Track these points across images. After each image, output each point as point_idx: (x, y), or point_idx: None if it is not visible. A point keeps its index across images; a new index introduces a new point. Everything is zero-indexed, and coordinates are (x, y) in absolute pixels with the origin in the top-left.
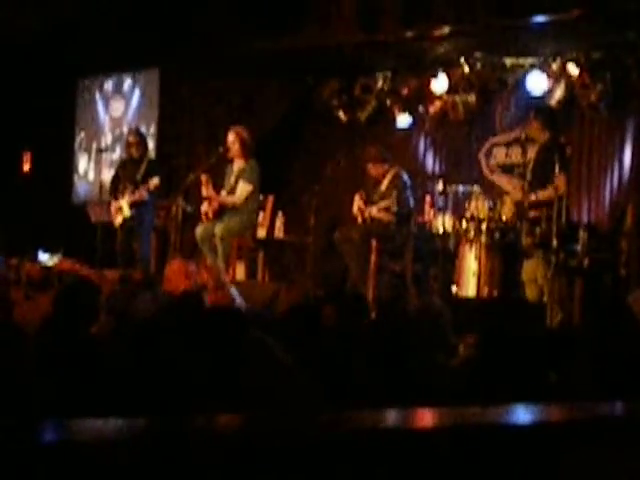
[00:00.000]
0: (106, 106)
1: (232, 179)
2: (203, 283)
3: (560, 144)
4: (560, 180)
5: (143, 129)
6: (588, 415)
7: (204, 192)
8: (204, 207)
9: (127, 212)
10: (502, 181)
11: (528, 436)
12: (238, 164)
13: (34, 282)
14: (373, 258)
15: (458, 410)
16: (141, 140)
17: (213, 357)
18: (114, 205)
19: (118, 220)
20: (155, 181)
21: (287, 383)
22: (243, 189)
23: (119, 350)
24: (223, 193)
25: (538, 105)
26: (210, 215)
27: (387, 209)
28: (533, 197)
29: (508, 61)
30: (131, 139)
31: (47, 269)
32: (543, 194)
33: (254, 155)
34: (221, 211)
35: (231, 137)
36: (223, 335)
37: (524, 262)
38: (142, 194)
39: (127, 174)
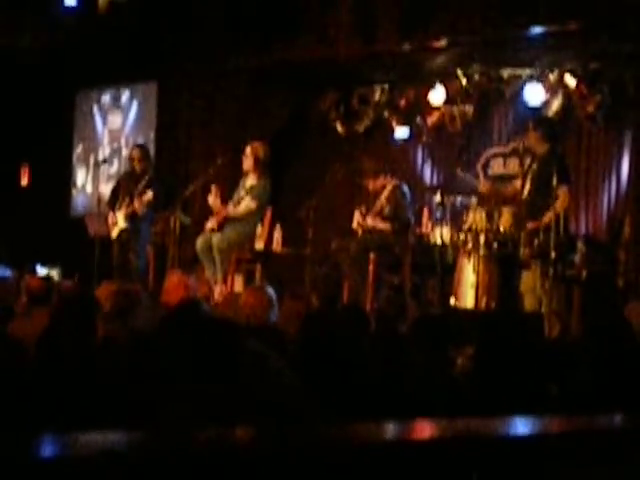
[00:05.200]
0: (104, 119)
1: (242, 193)
2: (203, 296)
3: (559, 155)
4: (562, 192)
5: (141, 142)
6: (587, 427)
7: (210, 201)
8: (211, 222)
9: (122, 224)
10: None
11: (527, 448)
12: (251, 180)
13: (35, 295)
14: (371, 270)
15: (457, 422)
16: (145, 155)
17: (209, 367)
18: (111, 217)
19: (114, 232)
20: (148, 195)
21: (284, 394)
22: (247, 205)
23: (117, 362)
24: (230, 205)
25: (537, 116)
26: (215, 228)
27: (380, 213)
28: (535, 225)
29: (505, 72)
30: (135, 154)
31: (48, 282)
32: (538, 224)
33: (268, 172)
34: (223, 223)
35: (247, 151)
36: (219, 345)
37: (522, 273)
38: (137, 207)
39: (127, 187)
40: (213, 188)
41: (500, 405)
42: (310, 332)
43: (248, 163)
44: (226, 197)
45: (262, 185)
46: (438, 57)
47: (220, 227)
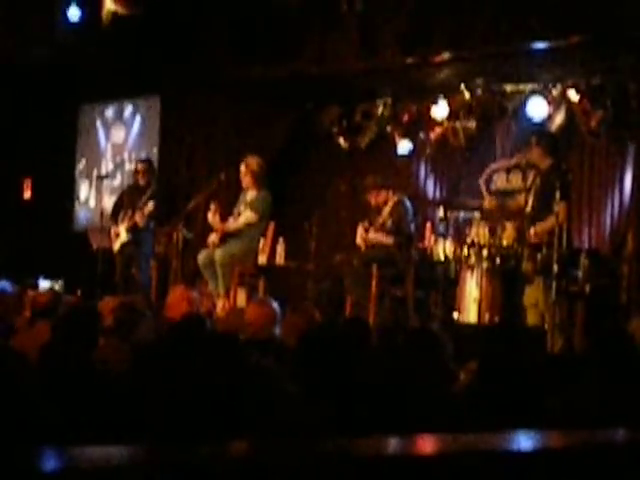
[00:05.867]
0: (107, 133)
1: (242, 207)
2: (206, 310)
3: (562, 170)
4: (561, 208)
5: (143, 156)
6: (589, 442)
7: (210, 219)
8: (211, 237)
9: (124, 237)
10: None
11: (529, 463)
12: (251, 194)
13: (40, 309)
14: (374, 284)
15: (459, 437)
16: (149, 169)
17: (213, 381)
18: (114, 230)
19: (116, 245)
20: (149, 207)
21: (287, 407)
22: (247, 217)
23: (120, 376)
24: (231, 220)
25: (539, 131)
26: (217, 243)
27: (383, 227)
28: (532, 231)
29: (508, 87)
30: (139, 167)
31: (55, 295)
32: (542, 227)
33: (266, 184)
34: (224, 235)
35: (242, 169)
36: (222, 359)
37: (525, 288)
38: (138, 220)
39: (130, 201)
40: (212, 206)
41: (503, 419)
42: (312, 346)
43: (246, 180)
44: (226, 213)
45: (262, 197)
46: (441, 72)
47: (222, 241)
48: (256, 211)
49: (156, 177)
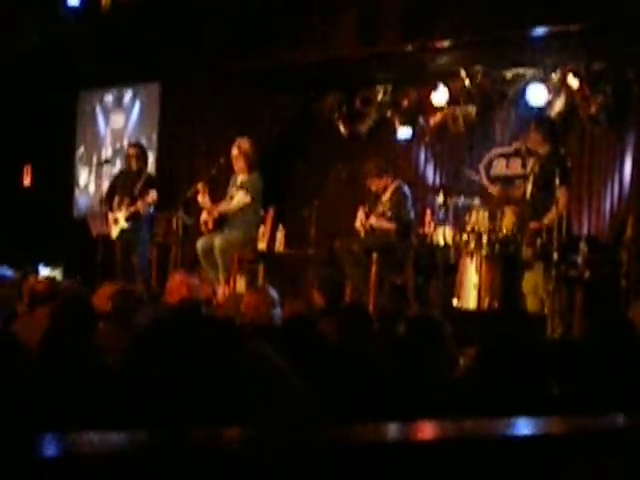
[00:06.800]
0: (107, 119)
1: (234, 190)
2: (205, 296)
3: (560, 156)
4: (561, 194)
5: (143, 142)
6: (589, 428)
7: (200, 200)
8: (203, 216)
9: (123, 224)
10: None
11: (529, 449)
12: (242, 176)
13: (38, 296)
14: (374, 270)
15: (459, 423)
16: (141, 153)
17: (209, 367)
18: (110, 216)
19: (114, 232)
20: (153, 195)
21: (285, 393)
22: (240, 199)
23: (118, 362)
24: (223, 203)
25: (538, 117)
26: (210, 225)
27: (383, 214)
28: (536, 225)
29: (508, 73)
30: (131, 152)
31: (53, 282)
32: (545, 220)
33: (257, 167)
34: (221, 221)
35: (234, 152)
36: (219, 345)
37: (525, 274)
38: (140, 208)
39: (124, 186)
40: (200, 187)
41: (503, 406)
42: (312, 332)
43: (239, 164)
44: (219, 197)
45: (253, 178)
46: (441, 58)
47: (217, 225)
48: (248, 192)
49: (147, 162)
